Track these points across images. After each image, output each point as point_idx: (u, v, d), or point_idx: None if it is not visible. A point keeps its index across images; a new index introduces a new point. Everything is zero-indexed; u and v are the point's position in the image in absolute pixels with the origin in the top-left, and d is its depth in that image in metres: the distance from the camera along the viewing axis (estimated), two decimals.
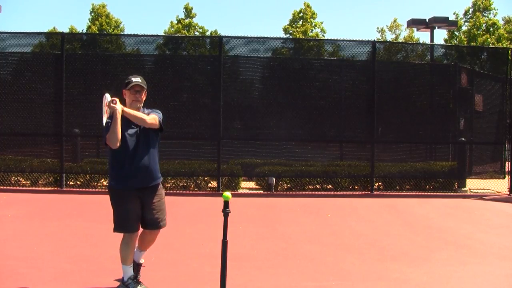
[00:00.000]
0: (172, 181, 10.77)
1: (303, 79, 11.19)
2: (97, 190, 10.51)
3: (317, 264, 5.31)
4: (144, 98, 4.31)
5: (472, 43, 30.79)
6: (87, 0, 51.90)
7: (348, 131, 11.30)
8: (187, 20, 33.56)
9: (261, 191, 10.87)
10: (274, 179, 10.75)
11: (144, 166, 4.18)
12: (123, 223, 4.18)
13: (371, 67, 10.96)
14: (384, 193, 10.92)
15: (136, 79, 4.22)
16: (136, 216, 4.21)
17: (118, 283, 4.42)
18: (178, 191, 10.43)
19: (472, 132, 11.85)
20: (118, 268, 4.97)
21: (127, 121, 4.16)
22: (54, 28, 33.86)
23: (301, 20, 34.29)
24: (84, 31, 32.41)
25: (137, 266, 4.48)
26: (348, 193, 10.76)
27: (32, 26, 55.04)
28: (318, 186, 11.08)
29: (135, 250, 4.44)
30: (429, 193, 11.00)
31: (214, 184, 10.85)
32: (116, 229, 4.24)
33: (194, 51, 16.88)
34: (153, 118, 4.20)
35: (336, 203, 9.67)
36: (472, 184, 11.67)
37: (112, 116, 4.04)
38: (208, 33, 33.44)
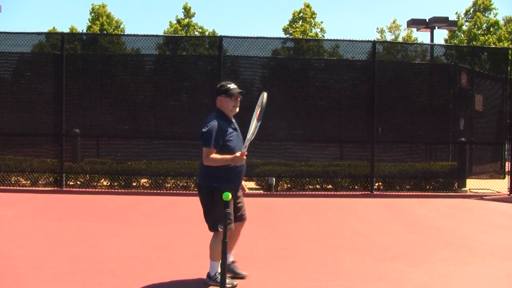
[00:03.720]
0: (172, 181, 10.77)
1: (303, 79, 11.19)
2: (97, 190, 10.52)
3: (317, 264, 5.31)
4: None
5: (473, 43, 30.79)
6: (87, 0, 51.92)
7: (348, 131, 11.29)
8: (186, 20, 33.57)
9: (261, 191, 10.86)
10: (274, 179, 10.75)
11: (245, 166, 4.50)
12: (230, 221, 4.34)
13: (371, 67, 10.96)
14: (384, 193, 10.92)
15: (234, 86, 4.49)
16: None
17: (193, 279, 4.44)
18: (178, 191, 10.43)
19: (472, 132, 11.83)
20: (118, 268, 4.99)
21: (228, 122, 4.47)
22: (54, 28, 33.89)
23: (301, 20, 34.30)
24: (85, 31, 32.41)
25: (232, 264, 4.67)
26: (348, 193, 10.76)
27: (32, 26, 55.07)
28: (318, 186, 11.08)
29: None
30: (429, 193, 10.99)
31: None
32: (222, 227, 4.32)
33: (194, 51, 16.87)
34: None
35: (336, 203, 9.66)
36: (472, 184, 11.66)
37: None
38: (207, 33, 33.45)
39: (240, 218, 4.58)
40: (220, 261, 4.27)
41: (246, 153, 4.29)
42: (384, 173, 11.00)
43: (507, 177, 11.51)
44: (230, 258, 4.65)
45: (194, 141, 10.76)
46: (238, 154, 4.28)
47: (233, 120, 4.60)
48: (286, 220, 7.86)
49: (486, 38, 31.18)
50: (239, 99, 4.51)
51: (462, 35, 32.26)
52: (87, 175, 10.67)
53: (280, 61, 11.86)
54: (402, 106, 11.45)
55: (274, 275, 4.89)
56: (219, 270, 4.35)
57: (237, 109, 4.53)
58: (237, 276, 4.62)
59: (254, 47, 10.86)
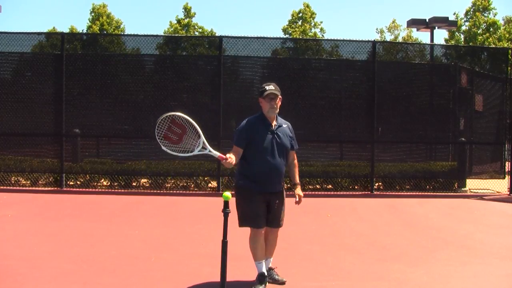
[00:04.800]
0: (172, 181, 10.76)
1: (303, 79, 11.18)
2: (97, 190, 10.51)
3: (317, 264, 5.31)
4: (279, 104, 4.42)
5: (471, 43, 30.79)
6: (87, 0, 51.94)
7: (348, 131, 11.27)
8: (186, 20, 33.54)
9: None
10: None
11: (276, 171, 4.48)
12: (255, 220, 4.44)
13: (371, 67, 10.95)
14: (384, 193, 10.91)
15: (270, 87, 4.36)
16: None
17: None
18: (178, 191, 10.42)
19: (472, 132, 11.83)
20: (118, 268, 4.99)
21: (265, 124, 4.39)
22: (54, 28, 33.88)
23: (300, 20, 34.27)
24: (85, 31, 32.40)
25: (270, 271, 4.63)
26: (348, 193, 10.76)
27: (32, 26, 55.09)
28: (318, 186, 11.07)
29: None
30: (429, 193, 10.99)
31: (214, 184, 10.84)
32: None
33: (194, 51, 16.87)
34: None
35: (336, 203, 9.66)
36: (472, 184, 11.66)
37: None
38: (207, 33, 33.44)
39: (271, 223, 4.55)
40: (259, 261, 4.40)
41: (224, 157, 4.16)
42: (384, 173, 11.00)
43: (507, 177, 11.51)
44: (268, 265, 4.66)
45: None
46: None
47: (277, 123, 4.43)
48: (286, 220, 7.84)
49: (485, 37, 31.17)
50: (277, 100, 4.34)
51: (462, 36, 32.23)
52: (87, 175, 10.67)
53: (280, 61, 11.87)
54: (402, 106, 11.45)
55: None
56: (263, 270, 4.41)
57: (277, 111, 4.38)
58: (276, 282, 4.60)
59: (254, 47, 10.86)
